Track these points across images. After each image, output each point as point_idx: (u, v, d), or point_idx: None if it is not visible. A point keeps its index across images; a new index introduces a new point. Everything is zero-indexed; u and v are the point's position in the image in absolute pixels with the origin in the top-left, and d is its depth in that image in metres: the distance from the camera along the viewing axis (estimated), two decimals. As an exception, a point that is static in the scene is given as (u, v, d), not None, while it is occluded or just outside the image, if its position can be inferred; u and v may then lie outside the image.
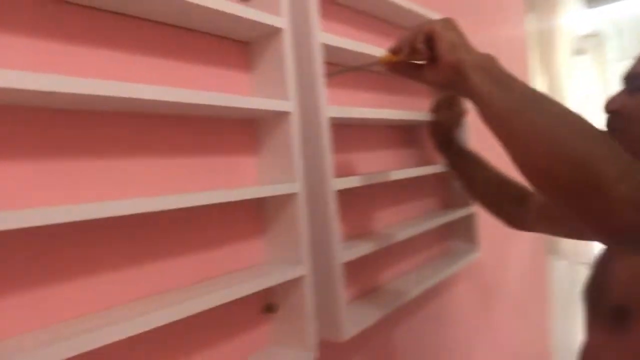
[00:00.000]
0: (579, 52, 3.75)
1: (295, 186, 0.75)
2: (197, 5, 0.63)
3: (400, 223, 1.15)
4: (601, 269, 0.86)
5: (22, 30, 0.54)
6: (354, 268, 1.00)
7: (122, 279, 0.61)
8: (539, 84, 2.47)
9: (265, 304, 0.79)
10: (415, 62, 0.73)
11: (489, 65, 0.63)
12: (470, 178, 1.16)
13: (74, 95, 0.50)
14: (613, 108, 0.72)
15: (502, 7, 2.18)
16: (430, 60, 0.70)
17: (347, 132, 1.03)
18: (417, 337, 1.21)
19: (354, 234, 1.01)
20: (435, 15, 1.21)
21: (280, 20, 0.75)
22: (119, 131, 0.62)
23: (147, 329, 0.53)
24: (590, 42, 3.89)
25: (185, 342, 0.68)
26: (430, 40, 0.70)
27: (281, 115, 0.77)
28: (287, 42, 0.76)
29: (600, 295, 0.83)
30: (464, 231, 1.38)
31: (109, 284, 0.60)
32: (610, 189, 0.50)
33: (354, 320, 0.87)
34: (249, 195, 0.69)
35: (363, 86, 1.08)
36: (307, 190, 0.81)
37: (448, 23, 0.68)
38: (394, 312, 1.11)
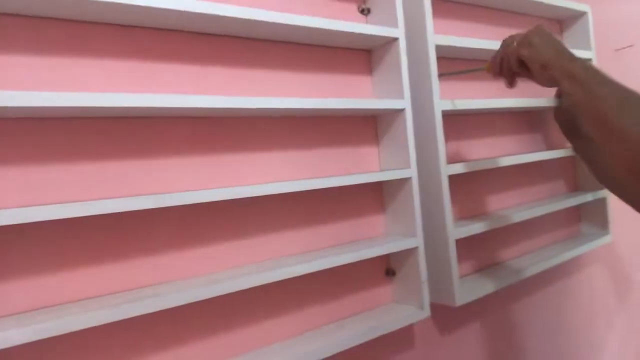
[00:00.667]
0: None
1: (409, 172, 0.89)
2: (329, 30, 0.81)
3: (523, 205, 1.21)
4: None
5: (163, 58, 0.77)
6: (474, 245, 1.10)
7: (281, 239, 0.82)
8: None
9: (386, 268, 0.95)
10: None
11: (576, 73, 0.68)
12: (596, 162, 1.16)
13: (248, 109, 0.71)
14: None
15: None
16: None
17: (469, 120, 1.13)
18: (536, 315, 1.25)
19: (475, 215, 1.11)
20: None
21: (395, 31, 0.89)
22: (275, 130, 0.83)
23: (299, 274, 0.73)
24: None
25: (327, 292, 0.87)
26: (522, 64, 0.77)
27: (398, 112, 0.91)
28: (402, 49, 0.90)
29: None
30: (594, 215, 1.37)
31: (270, 242, 0.81)
32: None
33: (469, 289, 0.98)
34: (370, 180, 0.85)
35: (485, 75, 1.16)
36: (422, 175, 0.94)
37: (534, 43, 0.74)
38: (514, 287, 1.18)
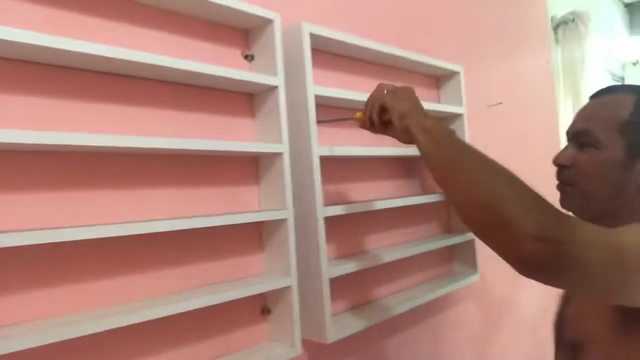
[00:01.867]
0: (620, 78, 3.72)
1: (286, 213, 0.93)
2: (212, 75, 0.84)
3: (398, 246, 1.30)
4: (565, 302, 0.95)
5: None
6: (350, 283, 1.15)
7: (159, 277, 0.80)
8: (564, 108, 2.53)
9: (262, 307, 0.96)
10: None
11: (430, 127, 0.77)
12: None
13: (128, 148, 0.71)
14: (563, 163, 0.83)
15: (529, 44, 2.29)
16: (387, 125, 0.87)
17: (348, 165, 1.20)
18: (410, 350, 1.33)
19: (351, 254, 1.17)
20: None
21: (275, 80, 0.95)
22: (158, 168, 0.83)
23: (170, 313, 0.73)
24: (635, 69, 3.84)
25: (204, 331, 0.86)
26: (384, 110, 0.86)
27: (277, 155, 0.95)
28: (281, 96, 0.95)
29: (562, 328, 0.92)
30: (465, 255, 1.50)
31: (144, 282, 0.79)
32: (514, 227, 0.62)
33: (342, 327, 1.02)
34: (245, 220, 0.88)
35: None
36: (299, 216, 0.98)
37: (399, 94, 0.83)
38: (387, 323, 1.24)
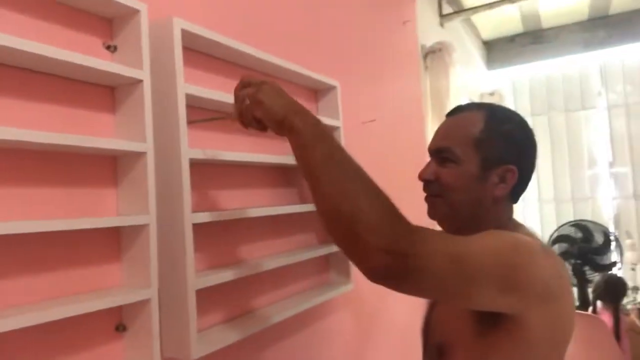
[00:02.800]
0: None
1: (147, 218, 0.85)
2: (64, 61, 0.74)
3: (274, 255, 1.27)
4: (430, 308, 1.00)
5: None
6: (222, 295, 1.09)
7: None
8: (432, 132, 2.74)
9: (117, 324, 0.86)
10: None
11: (297, 127, 0.75)
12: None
13: None
14: (428, 178, 0.89)
15: (401, 68, 2.45)
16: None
17: (224, 171, 1.15)
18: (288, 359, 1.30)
19: (223, 265, 1.11)
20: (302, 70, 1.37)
21: (141, 73, 0.87)
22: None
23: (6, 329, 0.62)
24: (491, 99, 4.34)
25: (46, 349, 0.74)
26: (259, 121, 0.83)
27: (139, 155, 0.87)
28: (146, 91, 0.88)
29: (428, 333, 0.97)
30: (340, 264, 1.52)
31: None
32: (365, 240, 0.64)
33: (209, 341, 0.96)
34: (100, 225, 0.78)
35: (246, 132, 1.21)
36: (164, 222, 0.91)
37: (264, 100, 0.79)
38: (262, 335, 1.19)
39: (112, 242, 0.88)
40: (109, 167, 0.89)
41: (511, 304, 0.72)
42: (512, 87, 4.47)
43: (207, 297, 1.04)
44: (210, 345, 0.94)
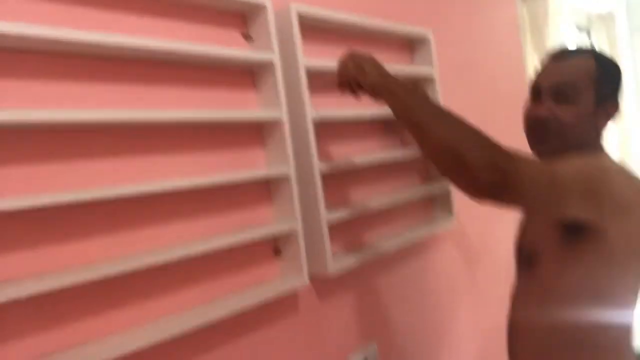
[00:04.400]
0: (586, 29, 3.90)
1: (288, 169, 1.11)
2: (217, 56, 1.00)
3: (383, 195, 1.49)
4: (522, 227, 1.16)
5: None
6: (346, 229, 1.35)
7: (191, 227, 0.99)
8: (532, 63, 2.70)
9: (274, 248, 1.16)
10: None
11: (395, 90, 0.92)
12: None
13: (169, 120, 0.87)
14: (545, 114, 0.99)
15: (498, 10, 2.44)
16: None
17: (339, 127, 1.38)
18: (398, 285, 1.55)
19: (345, 204, 1.36)
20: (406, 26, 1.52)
21: (272, 56, 1.10)
22: (180, 139, 1.00)
23: (198, 252, 0.92)
24: (602, 21, 4.02)
25: (223, 271, 1.06)
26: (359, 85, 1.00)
27: (277, 121, 1.12)
28: (278, 70, 1.11)
29: (520, 247, 1.13)
30: (443, 202, 1.70)
31: (178, 228, 0.98)
32: (469, 163, 0.80)
33: (341, 262, 1.22)
34: (253, 175, 1.06)
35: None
36: (299, 172, 1.17)
37: (365, 68, 0.96)
38: (379, 262, 1.45)
39: (265, 190, 1.17)
40: (257, 133, 1.16)
41: (592, 212, 0.84)
42: (626, 4, 4.08)
43: (338, 230, 1.31)
44: (342, 265, 1.21)
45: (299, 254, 1.12)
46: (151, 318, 0.93)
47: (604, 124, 1.01)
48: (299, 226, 1.12)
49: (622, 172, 0.90)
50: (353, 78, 1.00)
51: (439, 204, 1.72)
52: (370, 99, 1.00)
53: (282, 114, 1.11)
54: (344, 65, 1.02)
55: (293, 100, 1.17)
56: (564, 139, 0.99)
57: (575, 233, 0.92)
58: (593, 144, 1.01)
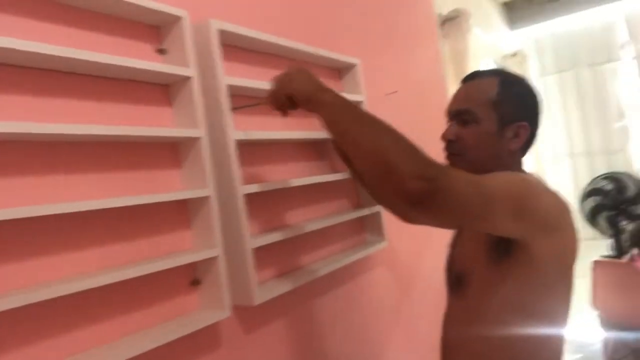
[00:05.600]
0: (502, 67, 4.18)
1: (207, 191, 1.03)
2: (127, 67, 0.92)
3: (313, 219, 1.43)
4: (451, 249, 1.15)
5: (0, 92, 0.81)
6: (274, 254, 1.27)
7: (99, 254, 0.87)
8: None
9: (192, 279, 1.05)
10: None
11: (329, 102, 0.89)
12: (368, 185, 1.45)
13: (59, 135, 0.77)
14: (450, 138, 1.02)
15: (419, 38, 2.54)
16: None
17: (265, 149, 1.32)
18: (329, 311, 1.48)
19: (273, 229, 1.29)
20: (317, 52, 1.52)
21: (188, 71, 1.04)
22: (82, 156, 0.89)
23: (103, 283, 0.81)
24: (513, 60, 4.34)
25: (134, 304, 0.94)
26: (291, 97, 0.97)
27: (195, 139, 1.04)
28: (195, 86, 1.05)
29: (450, 268, 1.12)
30: (373, 226, 1.68)
31: (75, 260, 0.85)
32: (400, 171, 0.76)
33: (267, 290, 1.14)
34: (171, 198, 0.96)
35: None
36: (220, 194, 1.09)
37: (298, 81, 0.94)
38: (309, 288, 1.38)
39: (182, 213, 1.07)
40: (172, 152, 1.07)
41: (520, 229, 0.84)
42: (535, 46, 4.45)
43: (264, 255, 1.22)
44: (268, 293, 1.12)
45: (219, 284, 1.02)
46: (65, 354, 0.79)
47: (516, 145, 1.00)
48: (220, 253, 1.03)
49: (548, 190, 0.91)
50: (286, 92, 0.97)
51: (370, 227, 1.69)
52: (304, 111, 0.96)
53: (200, 132, 1.04)
54: (277, 80, 1.00)
55: (214, 119, 1.10)
56: (469, 159, 1.00)
57: (505, 250, 0.91)
58: (511, 164, 1.01)
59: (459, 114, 1.01)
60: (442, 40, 2.90)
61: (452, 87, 2.86)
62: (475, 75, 1.06)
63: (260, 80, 1.21)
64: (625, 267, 2.95)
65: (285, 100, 0.98)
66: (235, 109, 1.13)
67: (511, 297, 0.92)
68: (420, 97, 2.40)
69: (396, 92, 2.09)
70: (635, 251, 3.11)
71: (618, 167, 3.86)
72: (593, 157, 4.18)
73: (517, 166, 1.02)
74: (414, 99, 2.32)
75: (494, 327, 0.94)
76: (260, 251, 1.16)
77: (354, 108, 0.88)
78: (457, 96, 1.05)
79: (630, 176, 3.39)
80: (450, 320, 1.09)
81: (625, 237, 3.17)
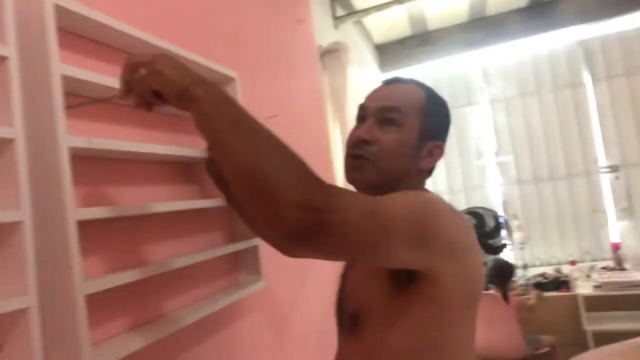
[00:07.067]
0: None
1: (19, 214, 0.73)
2: None
3: (175, 255, 1.17)
4: (342, 282, 0.98)
5: None
6: (121, 301, 0.98)
7: None
8: (333, 130, 2.78)
9: (-14, 345, 0.73)
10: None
11: (202, 99, 0.70)
12: (245, 211, 1.24)
13: None
14: (367, 138, 0.86)
15: (300, 66, 2.45)
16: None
17: (114, 165, 1.03)
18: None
19: (121, 267, 1.00)
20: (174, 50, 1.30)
21: (5, 49, 0.75)
22: None
23: None
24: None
25: None
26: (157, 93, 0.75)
27: (6, 142, 0.74)
28: (13, 70, 0.76)
29: (341, 307, 0.95)
30: (249, 263, 1.45)
31: None
32: (278, 195, 0.60)
33: (106, 353, 0.84)
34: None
35: (141, 122, 1.10)
36: (42, 218, 0.79)
37: (164, 71, 0.73)
38: (168, 342, 1.09)
39: (-24, 246, 0.75)
40: (-32, 159, 0.76)
41: (422, 258, 0.73)
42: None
43: (105, 304, 0.93)
44: (108, 357, 0.83)
45: (30, 348, 0.71)
46: None
47: (426, 164, 0.91)
48: (33, 303, 0.72)
49: (452, 211, 0.79)
50: (151, 87, 0.74)
51: (246, 264, 1.46)
52: (174, 108, 0.73)
53: (14, 132, 0.74)
54: (133, 66, 0.76)
55: (39, 118, 0.81)
56: (380, 168, 0.86)
57: (406, 281, 0.79)
58: (414, 184, 0.90)
59: (382, 111, 0.87)
60: (322, 72, 2.86)
61: (332, 121, 2.81)
62: (398, 80, 0.95)
63: (112, 77, 0.94)
64: (491, 298, 3.09)
65: (149, 95, 0.75)
66: (71, 106, 0.85)
67: (414, 335, 0.79)
68: (300, 123, 2.28)
69: (277, 115, 1.93)
70: (491, 287, 3.30)
71: (477, 202, 4.16)
72: (455, 194, 4.47)
73: (420, 187, 0.91)
74: (294, 125, 2.19)
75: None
76: (98, 299, 0.87)
77: (232, 107, 0.71)
78: (381, 93, 0.91)
79: (488, 210, 3.66)
80: (344, 366, 0.92)
81: (484, 271, 3.36)
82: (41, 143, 0.80)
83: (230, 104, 0.71)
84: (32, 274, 0.73)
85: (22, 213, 0.73)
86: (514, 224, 3.95)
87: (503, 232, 3.65)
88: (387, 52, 4.54)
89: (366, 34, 4.27)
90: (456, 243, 0.77)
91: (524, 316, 3.30)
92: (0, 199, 0.75)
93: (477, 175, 4.41)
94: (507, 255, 3.60)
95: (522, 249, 4.02)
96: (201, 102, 0.69)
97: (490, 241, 3.66)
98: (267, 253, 1.50)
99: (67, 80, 0.85)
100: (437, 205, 0.77)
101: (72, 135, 0.84)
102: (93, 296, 0.83)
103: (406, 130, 0.87)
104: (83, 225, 0.84)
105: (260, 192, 0.61)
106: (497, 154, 4.35)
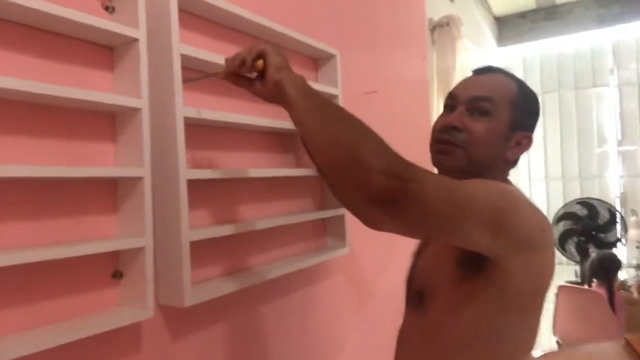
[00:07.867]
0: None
1: (142, 171, 0.89)
2: (63, 18, 0.78)
3: (268, 216, 1.31)
4: (415, 259, 1.04)
5: None
6: (220, 251, 1.14)
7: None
8: (437, 111, 2.73)
9: (114, 271, 0.91)
10: (247, 75, 0.90)
11: (301, 84, 0.83)
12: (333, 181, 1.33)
13: None
14: (457, 125, 0.88)
15: (407, 41, 2.44)
16: (259, 76, 0.88)
17: (221, 133, 1.18)
18: (278, 318, 1.35)
19: (220, 222, 1.15)
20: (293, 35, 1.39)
21: (137, 32, 0.90)
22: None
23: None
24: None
25: (40, 290, 0.80)
26: (259, 58, 0.87)
27: (135, 111, 0.91)
28: (142, 50, 0.91)
29: (411, 282, 1.01)
30: (336, 230, 1.56)
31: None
32: (366, 163, 0.68)
33: (203, 291, 1.00)
34: (97, 174, 0.83)
35: (246, 95, 1.24)
36: (159, 176, 0.95)
37: (277, 49, 0.87)
38: (254, 292, 1.24)
39: (110, 194, 0.93)
40: (108, 123, 0.94)
41: (495, 245, 0.75)
42: (523, 64, 4.41)
43: (204, 252, 1.09)
44: (203, 295, 0.99)
45: (144, 278, 0.89)
46: None
47: (512, 154, 0.91)
48: (148, 243, 0.89)
49: (531, 205, 0.81)
50: (258, 50, 0.87)
51: (332, 231, 1.57)
52: (260, 93, 0.87)
53: (141, 102, 0.90)
54: (254, 44, 0.90)
55: (161, 91, 0.96)
56: (469, 155, 0.88)
57: (475, 268, 0.81)
58: (499, 173, 0.91)
59: (474, 100, 0.88)
60: (430, 46, 2.81)
61: (437, 100, 2.77)
62: (490, 70, 0.95)
63: (222, 55, 1.07)
64: (587, 294, 2.91)
65: (251, 62, 0.87)
66: (187, 80, 1.00)
67: (477, 321, 0.82)
68: (400, 101, 2.29)
69: (376, 92, 1.98)
70: (595, 281, 3.07)
71: (593, 193, 3.85)
72: (569, 181, 4.16)
73: (503, 177, 0.92)
74: (394, 102, 2.21)
75: (454, 351, 0.85)
76: (199, 246, 1.03)
77: (323, 97, 0.84)
78: (473, 83, 0.93)
79: (603, 203, 3.37)
80: (405, 339, 0.99)
81: (586, 265, 3.13)
82: (161, 112, 0.96)
83: (320, 95, 0.83)
84: (149, 220, 0.90)
85: (144, 170, 0.90)
86: (631, 220, 3.59)
87: (617, 227, 3.36)
88: (507, 25, 4.27)
89: (486, 4, 4.05)
90: (530, 237, 0.78)
91: (629, 313, 3.04)
92: (126, 158, 0.92)
93: (596, 163, 4.05)
94: (619, 252, 3.29)
95: (638, 247, 3.66)
96: (298, 85, 0.83)
97: (602, 235, 3.39)
98: (353, 223, 1.59)
99: (186, 59, 0.99)
100: (515, 197, 0.79)
101: (186, 106, 0.99)
102: (196, 243, 0.99)
103: (496, 121, 0.87)
104: (192, 183, 0.99)
105: (351, 161, 0.69)
106: (620, 143, 3.96)
